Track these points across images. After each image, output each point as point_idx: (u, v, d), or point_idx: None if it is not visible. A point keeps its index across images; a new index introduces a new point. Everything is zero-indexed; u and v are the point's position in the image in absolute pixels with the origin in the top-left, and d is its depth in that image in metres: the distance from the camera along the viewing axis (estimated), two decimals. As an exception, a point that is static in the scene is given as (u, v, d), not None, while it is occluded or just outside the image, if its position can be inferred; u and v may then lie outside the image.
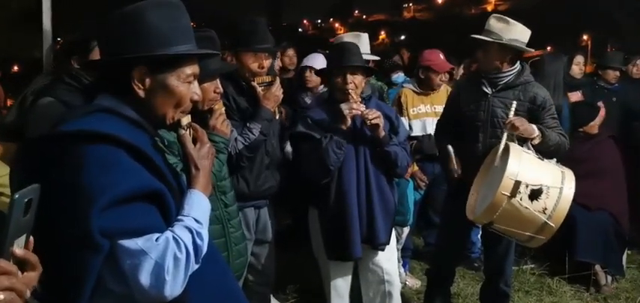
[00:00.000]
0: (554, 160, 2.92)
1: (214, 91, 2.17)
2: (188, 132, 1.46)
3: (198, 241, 1.30)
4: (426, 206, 4.24)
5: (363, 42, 3.52)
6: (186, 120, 1.46)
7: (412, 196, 3.91)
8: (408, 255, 4.17)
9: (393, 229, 3.47)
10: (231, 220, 2.26)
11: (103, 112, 1.33)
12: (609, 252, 4.01)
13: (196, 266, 1.30)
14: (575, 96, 4.74)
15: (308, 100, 3.73)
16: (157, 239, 1.23)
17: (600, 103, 4.62)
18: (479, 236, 4.18)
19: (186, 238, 1.28)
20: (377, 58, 3.83)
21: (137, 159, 1.27)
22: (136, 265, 1.20)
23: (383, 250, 2.76)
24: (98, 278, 1.21)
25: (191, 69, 1.40)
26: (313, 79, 3.87)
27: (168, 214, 1.30)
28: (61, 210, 1.19)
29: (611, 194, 4.10)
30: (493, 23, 2.91)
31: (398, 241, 3.87)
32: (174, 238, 1.25)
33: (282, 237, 3.13)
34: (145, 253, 1.21)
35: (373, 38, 4.21)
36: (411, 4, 61.01)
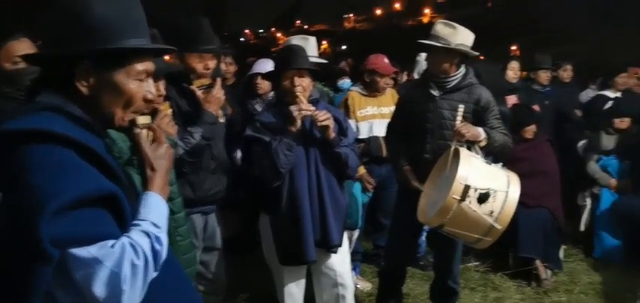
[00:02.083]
0: (500, 164, 3.03)
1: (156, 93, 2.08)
2: (145, 132, 1.38)
3: (157, 246, 1.22)
4: (375, 209, 4.26)
5: (310, 45, 3.51)
6: (143, 120, 1.37)
7: (360, 199, 3.92)
8: (358, 258, 4.18)
9: (345, 232, 3.48)
10: (178, 227, 2.16)
11: (48, 110, 1.22)
12: (548, 247, 4.18)
13: (155, 273, 1.22)
14: (511, 99, 4.97)
15: (258, 107, 3.66)
16: (111, 246, 1.14)
17: (535, 106, 4.88)
18: (423, 238, 4.26)
19: (144, 243, 1.19)
20: (324, 61, 3.83)
21: (88, 160, 1.17)
22: (90, 276, 1.10)
23: (336, 252, 2.74)
24: (47, 291, 1.10)
25: (143, 65, 1.30)
26: (264, 86, 3.82)
27: (123, 218, 1.21)
28: (4, 216, 1.08)
29: (548, 192, 4.29)
30: (440, 29, 2.99)
31: (348, 245, 3.87)
32: (130, 244, 1.16)
33: (232, 243, 3.04)
34: (100, 262, 1.11)
35: (315, 47, 4.22)
36: (351, 15, 62.33)
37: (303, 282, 2.85)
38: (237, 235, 3.07)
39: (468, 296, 3.89)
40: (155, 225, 1.25)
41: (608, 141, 4.73)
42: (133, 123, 1.34)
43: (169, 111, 2.14)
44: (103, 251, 1.12)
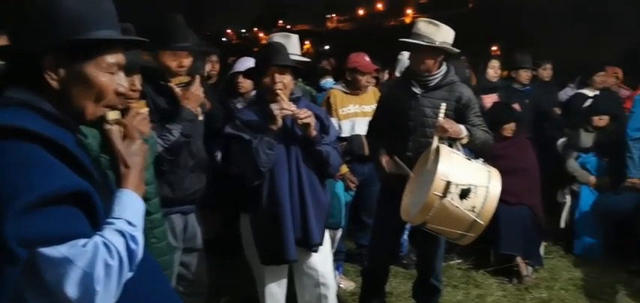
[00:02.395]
0: (481, 160, 3.02)
1: (130, 89, 2.03)
2: (116, 128, 1.34)
3: (133, 245, 1.18)
4: (358, 208, 4.25)
5: (292, 43, 3.48)
6: (113, 115, 1.34)
7: (343, 198, 3.91)
8: (341, 258, 4.17)
9: (327, 232, 3.45)
10: (154, 229, 2.12)
11: (16, 105, 1.18)
12: (529, 244, 4.22)
13: (130, 274, 1.18)
14: (491, 98, 5.00)
15: (240, 106, 3.62)
16: (83, 245, 1.09)
17: (516, 105, 4.93)
18: (406, 236, 4.26)
19: (119, 242, 1.15)
20: (307, 60, 3.81)
21: (58, 156, 1.13)
22: (61, 276, 1.06)
23: (317, 251, 2.71)
24: (16, 292, 1.05)
25: (114, 57, 1.27)
26: (246, 85, 3.78)
27: (95, 217, 1.17)
28: None
29: (528, 189, 4.33)
30: (423, 27, 2.97)
31: (331, 244, 3.85)
32: (104, 243, 1.12)
33: (214, 244, 3.00)
34: (71, 262, 1.06)
35: (298, 47, 4.19)
36: (334, 15, 62.52)
37: (284, 282, 2.82)
38: (218, 235, 3.02)
39: (451, 294, 3.91)
40: (130, 223, 1.21)
41: (587, 138, 4.79)
42: (102, 119, 1.31)
43: (145, 109, 2.08)
44: (74, 251, 1.08)
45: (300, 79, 4.05)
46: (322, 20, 61.02)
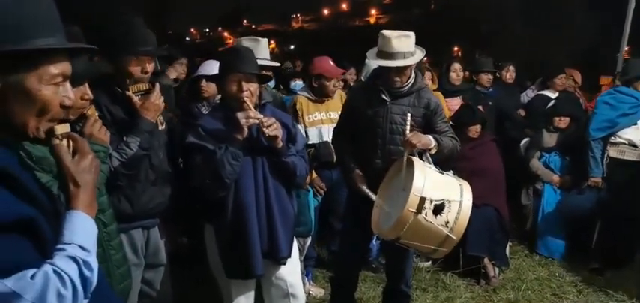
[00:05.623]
0: (451, 172, 2.99)
1: (82, 98, 1.90)
2: (67, 143, 1.22)
3: (87, 271, 1.10)
4: (327, 213, 4.19)
5: (261, 47, 3.37)
6: (62, 129, 1.21)
7: (312, 204, 3.84)
8: (311, 264, 4.10)
9: (296, 240, 3.37)
10: (111, 241, 2.02)
11: None
12: (495, 244, 4.26)
13: (86, 302, 1.10)
14: (455, 102, 5.01)
15: (204, 111, 3.49)
16: (32, 276, 1.01)
17: (480, 107, 4.96)
18: (374, 241, 4.23)
19: (71, 269, 1.07)
20: (276, 64, 3.68)
21: None
22: None
23: (285, 263, 2.63)
24: None
25: (58, 67, 1.15)
26: (210, 89, 3.65)
27: (44, 244, 1.08)
28: None
29: (493, 190, 4.37)
30: (397, 43, 2.85)
31: (301, 251, 3.78)
32: (55, 271, 1.04)
33: (179, 257, 2.87)
34: (19, 296, 0.98)
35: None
36: (299, 15, 62.63)
37: (252, 294, 2.71)
38: (181, 246, 2.90)
39: (420, 297, 3.91)
40: (83, 248, 1.12)
41: (550, 139, 4.87)
42: (51, 133, 1.18)
43: (97, 114, 1.94)
44: (22, 283, 1.00)
45: (268, 83, 3.96)
46: (287, 20, 60.98)
